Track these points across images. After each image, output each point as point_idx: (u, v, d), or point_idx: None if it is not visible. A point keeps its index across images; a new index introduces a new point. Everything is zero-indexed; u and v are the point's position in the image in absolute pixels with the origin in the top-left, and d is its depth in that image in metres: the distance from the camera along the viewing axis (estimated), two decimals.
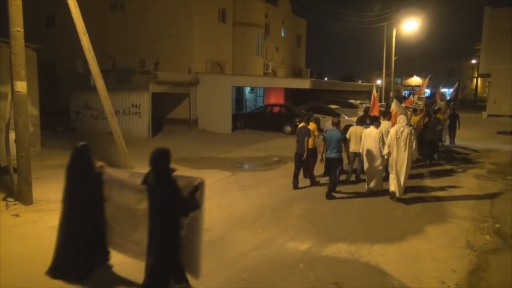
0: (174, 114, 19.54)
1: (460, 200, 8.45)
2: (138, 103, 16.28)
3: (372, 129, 8.84)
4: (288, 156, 13.03)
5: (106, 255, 4.74)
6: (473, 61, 57.31)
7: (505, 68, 30.74)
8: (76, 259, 4.49)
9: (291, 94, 25.38)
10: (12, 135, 7.40)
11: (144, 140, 15.62)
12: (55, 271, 4.51)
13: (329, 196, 8.30)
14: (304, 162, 9.06)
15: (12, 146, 7.45)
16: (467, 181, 10.15)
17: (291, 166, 11.49)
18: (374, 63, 62.53)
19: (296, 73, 32.64)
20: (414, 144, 8.07)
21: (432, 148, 12.65)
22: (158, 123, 17.77)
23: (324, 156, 8.48)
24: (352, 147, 9.30)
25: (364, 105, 23.25)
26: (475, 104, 46.56)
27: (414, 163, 9.77)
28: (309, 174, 9.43)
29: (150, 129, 16.17)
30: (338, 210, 7.68)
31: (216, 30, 21.74)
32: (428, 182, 10.00)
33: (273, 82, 21.14)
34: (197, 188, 4.05)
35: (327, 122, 19.34)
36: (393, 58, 29.43)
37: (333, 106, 20.39)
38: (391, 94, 30.48)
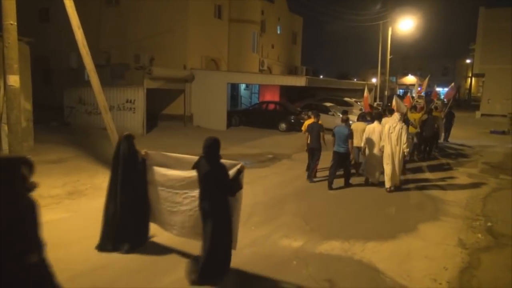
0: (169, 110, 19.46)
1: (452, 198, 8.51)
2: (133, 98, 16.19)
3: (376, 125, 9.28)
4: (282, 153, 13.04)
5: (148, 231, 5.43)
6: (468, 61, 57.66)
7: (499, 68, 30.94)
8: (123, 233, 5.13)
9: (286, 92, 25.39)
10: (4, 130, 7.34)
11: (139, 136, 15.51)
12: (104, 246, 5.19)
13: (348, 185, 9.14)
14: (316, 155, 9.51)
15: (5, 140, 7.39)
16: (459, 180, 10.23)
17: (285, 164, 11.49)
18: (370, 62, 62.61)
19: (291, 71, 32.64)
20: (404, 138, 8.66)
21: (431, 144, 13.20)
22: (153, 119, 17.70)
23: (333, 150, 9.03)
24: (355, 142, 9.54)
25: (359, 103, 23.36)
26: (469, 103, 46.90)
27: (410, 157, 10.50)
28: (313, 167, 9.69)
29: (145, 125, 16.10)
30: (332, 208, 7.71)
31: (211, 26, 21.66)
32: (422, 180, 10.06)
33: (269, 79, 21.12)
34: (240, 171, 4.60)
35: (323, 120, 19.46)
36: (388, 57, 29.52)
37: (328, 104, 20.47)
38: (386, 93, 30.57)
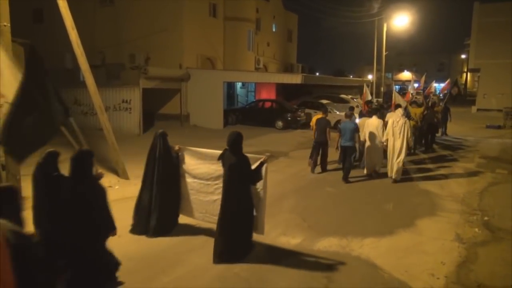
0: (165, 109, 19.42)
1: (449, 193, 8.56)
2: (129, 98, 16.15)
3: (374, 119, 9.83)
4: (279, 151, 13.05)
5: (177, 218, 6.04)
6: (463, 56, 57.88)
7: (494, 62, 31.02)
8: (156, 219, 5.75)
9: (283, 89, 25.38)
10: None
11: (135, 136, 15.51)
12: (136, 230, 5.86)
13: (346, 180, 9.29)
14: (323, 149, 10.10)
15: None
16: (456, 175, 10.27)
17: (282, 161, 11.53)
18: (365, 58, 62.75)
19: (287, 68, 32.62)
20: (409, 132, 9.22)
21: (432, 138, 13.72)
22: (149, 119, 17.66)
23: (339, 145, 9.53)
24: (362, 137, 10.03)
25: (355, 100, 23.39)
26: (465, 98, 46.96)
27: (410, 150, 10.98)
28: (325, 158, 10.24)
29: (141, 125, 16.06)
30: (330, 205, 7.73)
31: (207, 25, 21.61)
32: (419, 176, 10.11)
33: (265, 77, 21.12)
34: (263, 163, 5.16)
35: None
36: (384, 53, 29.56)
37: (324, 101, 20.46)
38: (382, 89, 30.61)
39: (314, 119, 10.53)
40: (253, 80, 22.06)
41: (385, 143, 9.47)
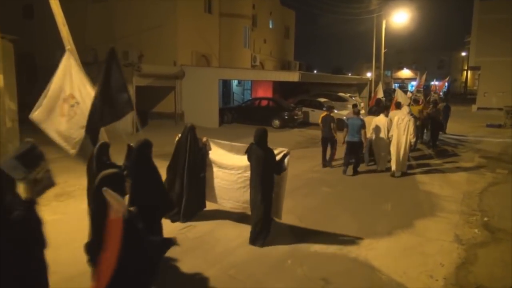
0: (159, 108, 19.39)
1: (449, 193, 8.61)
2: None
3: (382, 117, 10.49)
4: None
5: (203, 204, 6.62)
6: (463, 54, 58.10)
7: (494, 60, 31.15)
8: (187, 206, 6.37)
9: (280, 87, 25.40)
10: None
11: (129, 135, 15.46)
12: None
13: (356, 173, 10.20)
14: (328, 145, 10.82)
15: None
16: (456, 175, 10.34)
17: None
18: (364, 56, 62.87)
19: (284, 66, 32.65)
20: (412, 130, 9.85)
21: (435, 136, 14.19)
22: (143, 118, 17.61)
23: (345, 140, 10.16)
24: (369, 135, 10.59)
25: (353, 98, 23.44)
26: (465, 97, 47.20)
27: (413, 148, 11.62)
28: (332, 154, 10.98)
29: (135, 123, 16.01)
30: (327, 205, 7.75)
31: (202, 21, 21.59)
32: (418, 175, 10.18)
33: (261, 75, 21.11)
34: (286, 155, 5.93)
35: (317, 116, 19.56)
36: (383, 51, 29.60)
37: (322, 100, 20.47)
38: (381, 87, 30.68)
39: (320, 117, 11.18)
40: (249, 77, 22.06)
41: (390, 139, 10.11)
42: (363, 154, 10.91)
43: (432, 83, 32.16)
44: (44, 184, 3.64)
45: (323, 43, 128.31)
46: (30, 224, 2.91)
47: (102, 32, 20.32)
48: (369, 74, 49.49)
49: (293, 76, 18.26)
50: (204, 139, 6.62)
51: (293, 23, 35.36)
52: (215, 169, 6.54)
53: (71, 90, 5.72)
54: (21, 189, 3.07)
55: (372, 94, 14.18)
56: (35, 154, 3.75)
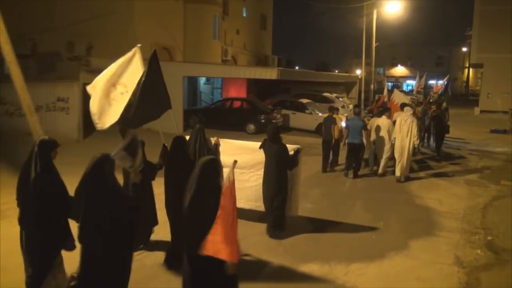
0: None
1: (448, 209, 8.85)
2: (66, 96, 15.79)
3: (383, 119, 11.60)
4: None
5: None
6: (464, 49, 59.95)
7: (499, 57, 31.95)
8: None
9: (255, 86, 25.53)
10: None
11: (74, 142, 15.18)
12: None
13: (356, 176, 11.31)
14: (331, 148, 11.88)
15: None
16: (456, 188, 10.65)
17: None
18: (353, 51, 63.99)
19: (261, 61, 32.88)
20: (416, 131, 10.86)
21: (440, 140, 15.02)
22: (91, 121, 17.34)
23: (345, 141, 11.26)
24: (372, 137, 11.87)
25: (340, 99, 23.81)
26: (467, 98, 48.53)
27: (416, 150, 12.45)
28: (334, 157, 12.15)
29: (82, 129, 15.75)
30: (309, 224, 7.78)
31: (163, 8, 21.52)
32: (415, 188, 10.44)
33: (233, 71, 21.16)
34: (298, 151, 7.12)
35: (299, 119, 19.81)
36: (374, 44, 30.18)
37: (304, 101, 20.70)
38: (372, 87, 31.22)
39: (323, 118, 12.66)
40: (219, 74, 22.06)
41: (393, 142, 11.15)
42: (368, 157, 12.15)
43: (434, 82, 33.05)
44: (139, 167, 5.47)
45: (306, 35, 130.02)
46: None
47: (43, 18, 19.94)
48: (358, 72, 50.31)
49: (271, 73, 18.39)
50: (215, 139, 7.36)
51: (271, 12, 35.73)
52: (225, 169, 6.81)
53: (125, 80, 6.97)
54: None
55: (381, 97, 16.22)
56: (135, 144, 5.71)
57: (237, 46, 29.65)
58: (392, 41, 67.05)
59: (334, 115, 11.84)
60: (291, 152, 7.04)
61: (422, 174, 12.04)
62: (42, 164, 4.32)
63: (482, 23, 33.60)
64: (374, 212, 8.55)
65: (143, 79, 6.49)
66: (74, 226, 4.20)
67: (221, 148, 7.34)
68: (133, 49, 7.16)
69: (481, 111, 32.26)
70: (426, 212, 8.63)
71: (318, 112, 19.48)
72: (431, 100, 17.46)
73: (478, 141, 18.47)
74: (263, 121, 18.62)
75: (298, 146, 7.35)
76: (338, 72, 57.55)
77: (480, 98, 34.80)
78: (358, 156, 11.34)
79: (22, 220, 4.45)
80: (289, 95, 23.42)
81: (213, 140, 7.32)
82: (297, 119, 19.94)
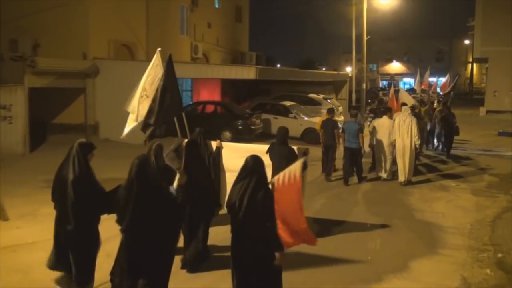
0: (64, 118, 18.90)
1: (453, 224, 8.95)
2: (8, 103, 15.54)
3: (385, 120, 12.37)
4: None
5: (218, 206, 7.38)
6: (467, 42, 61.13)
7: (505, 50, 32.31)
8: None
9: (231, 88, 25.54)
10: None
11: (18, 156, 14.94)
12: None
13: (361, 180, 12.21)
14: (334, 153, 12.48)
15: None
16: (462, 199, 10.80)
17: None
18: (342, 45, 64.64)
19: (237, 58, 32.93)
20: (416, 131, 11.62)
21: (450, 142, 16.21)
22: (40, 132, 17.11)
23: (343, 146, 11.99)
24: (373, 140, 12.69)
25: (328, 101, 23.93)
26: (471, 97, 49.36)
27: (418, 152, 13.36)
28: (330, 166, 12.59)
29: (28, 140, 15.52)
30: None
31: None
32: (416, 200, 10.57)
33: (205, 70, 21.11)
34: (306, 154, 7.69)
35: (282, 125, 19.77)
36: (365, 38, 30.52)
37: (287, 103, 20.75)
38: (364, 86, 31.52)
39: (319, 121, 13.20)
40: (189, 74, 21.95)
41: (393, 143, 11.97)
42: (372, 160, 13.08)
43: (434, 79, 33.41)
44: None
45: (289, 28, 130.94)
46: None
47: None
48: (349, 69, 50.86)
49: (249, 72, 18.43)
50: (217, 142, 8.02)
51: (247, 2, 35.89)
52: (227, 174, 7.92)
53: (146, 83, 8.40)
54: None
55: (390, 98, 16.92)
56: (181, 149, 7.20)
57: (209, 42, 29.67)
58: (386, 34, 68.24)
59: (335, 118, 12.60)
60: (299, 154, 7.65)
61: (424, 183, 12.27)
62: (81, 166, 5.09)
63: (486, 12, 34.03)
64: (369, 230, 8.60)
65: (161, 83, 7.84)
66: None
67: (224, 152, 7.99)
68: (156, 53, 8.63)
69: (487, 112, 32.68)
70: (428, 228, 8.72)
71: (303, 116, 19.57)
72: (432, 101, 18.28)
73: (484, 145, 18.78)
74: (240, 127, 18.63)
75: (306, 147, 8.16)
76: (325, 70, 58.22)
77: (485, 96, 35.29)
78: (357, 161, 12.04)
79: (60, 221, 5.21)
80: (270, 97, 23.46)
81: (215, 144, 7.99)
82: (279, 124, 19.88)
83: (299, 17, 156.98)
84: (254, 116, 19.39)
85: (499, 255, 7.43)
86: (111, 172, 13.06)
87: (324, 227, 8.72)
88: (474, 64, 54.25)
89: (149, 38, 23.39)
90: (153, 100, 7.82)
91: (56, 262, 5.30)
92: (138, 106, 8.55)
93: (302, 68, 49.16)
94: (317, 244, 5.38)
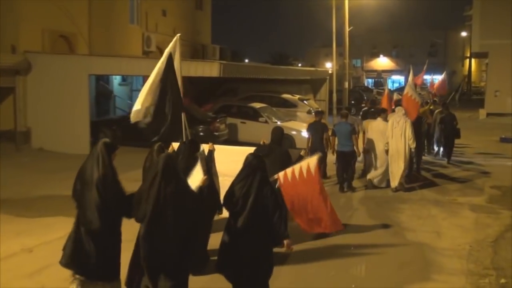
0: None
1: (449, 245, 9.04)
2: None
3: (379, 122, 13.00)
4: None
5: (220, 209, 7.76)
6: (463, 34, 62.37)
7: (507, 44, 33.03)
8: None
9: (191, 87, 25.38)
10: None
11: None
12: None
13: (350, 188, 12.68)
14: (325, 159, 12.94)
15: None
16: (460, 216, 10.93)
17: None
18: (321, 38, 65.32)
19: (197, 52, 32.87)
20: (410, 133, 12.26)
21: (451, 145, 17.09)
22: None
23: (334, 149, 12.90)
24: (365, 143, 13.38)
25: (305, 102, 24.03)
26: (469, 97, 50.12)
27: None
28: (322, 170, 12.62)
29: None
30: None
31: None
32: (404, 218, 10.66)
33: None
34: (302, 157, 8.61)
35: (250, 130, 19.84)
36: (347, 29, 30.84)
37: (257, 105, 20.76)
38: (346, 85, 31.80)
39: (307, 124, 13.87)
40: (140, 71, 21.71)
41: (386, 147, 12.51)
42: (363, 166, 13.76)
43: (429, 77, 33.93)
44: None
45: (259, 17, 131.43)
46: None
47: None
48: (328, 65, 51.26)
49: (211, 69, 18.40)
50: (210, 145, 8.39)
51: None
52: (220, 178, 8.34)
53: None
54: None
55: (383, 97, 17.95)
56: (202, 152, 7.77)
57: (164, 33, 29.50)
58: (372, 25, 69.00)
59: (323, 120, 12.93)
60: (294, 156, 8.54)
61: (416, 196, 12.45)
62: (106, 165, 5.66)
63: (485, 0, 34.57)
64: (353, 253, 8.61)
65: (162, 76, 8.43)
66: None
67: (216, 156, 8.31)
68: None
69: (488, 114, 33.09)
70: (421, 250, 8.78)
71: (276, 120, 19.61)
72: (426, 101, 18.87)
73: (485, 153, 19.17)
74: (201, 134, 18.54)
75: (303, 149, 9.19)
76: (301, 66, 58.57)
77: (486, 97, 35.80)
78: (350, 166, 12.60)
79: (82, 220, 5.74)
80: (237, 98, 23.46)
81: (207, 147, 8.27)
82: (248, 130, 19.98)
83: (271, 4, 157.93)
84: (218, 120, 19.34)
85: (503, 280, 7.52)
86: (46, 189, 12.90)
87: (300, 250, 8.71)
88: (473, 60, 54.93)
89: (92, 27, 23.15)
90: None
91: (71, 260, 5.79)
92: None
93: (274, 64, 49.39)
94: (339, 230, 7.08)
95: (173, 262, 5.31)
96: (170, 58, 8.74)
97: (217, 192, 7.74)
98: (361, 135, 14.01)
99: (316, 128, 13.11)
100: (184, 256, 5.39)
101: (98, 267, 5.72)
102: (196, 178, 6.25)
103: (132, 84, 26.04)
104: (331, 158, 13.68)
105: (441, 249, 8.82)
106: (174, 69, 8.82)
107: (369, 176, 13.20)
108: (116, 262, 5.91)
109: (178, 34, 9.07)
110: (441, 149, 17.84)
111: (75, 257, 5.78)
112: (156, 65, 8.89)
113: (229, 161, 8.17)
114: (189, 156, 7.10)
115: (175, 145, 8.06)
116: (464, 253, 8.66)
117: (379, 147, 12.83)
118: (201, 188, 6.11)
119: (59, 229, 9.54)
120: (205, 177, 6.31)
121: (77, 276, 5.73)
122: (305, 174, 6.17)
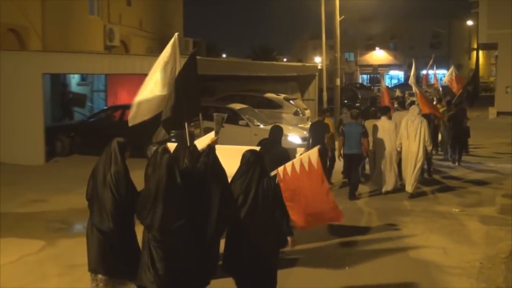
0: None
1: (457, 262, 9.04)
2: None
3: (384, 121, 13.32)
4: None
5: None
6: (469, 23, 62.84)
7: None
8: None
9: None
10: None
11: None
12: None
13: (353, 197, 12.85)
14: (327, 161, 13.30)
15: None
16: (468, 229, 10.97)
17: None
18: (309, 29, 65.51)
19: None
20: (427, 134, 12.68)
21: (461, 146, 17.62)
22: None
23: (342, 152, 13.20)
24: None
25: (292, 102, 24.03)
26: (477, 94, 50.42)
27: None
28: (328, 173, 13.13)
29: None
30: None
31: None
32: (408, 232, 10.68)
33: (123, 63, 20.84)
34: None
35: (229, 135, 19.78)
36: (338, 18, 30.90)
37: (237, 106, 20.74)
38: (338, 82, 31.85)
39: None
40: (101, 70, 21.67)
41: (398, 149, 13.01)
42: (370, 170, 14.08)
43: (432, 72, 34.07)
44: None
45: (238, 7, 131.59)
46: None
47: None
48: (318, 60, 51.36)
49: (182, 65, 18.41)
50: (212, 140, 8.62)
51: None
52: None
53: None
54: None
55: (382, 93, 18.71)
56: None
57: (129, 25, 29.49)
58: (367, 13, 69.22)
59: (326, 120, 13.21)
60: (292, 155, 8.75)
61: (419, 208, 12.43)
62: (119, 164, 6.27)
63: None
64: (349, 273, 8.62)
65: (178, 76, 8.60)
66: None
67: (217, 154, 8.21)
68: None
69: (498, 113, 33.32)
70: (426, 268, 8.78)
71: (258, 123, 19.59)
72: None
73: (496, 157, 19.27)
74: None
75: (303, 148, 9.68)
76: (287, 61, 58.69)
77: (495, 93, 36.05)
78: (358, 170, 13.09)
79: (96, 220, 6.30)
80: (214, 99, 23.44)
81: (206, 140, 8.59)
82: (226, 134, 19.87)
83: None
84: (192, 124, 19.23)
85: None
86: None
87: (291, 269, 8.71)
88: (480, 52, 55.11)
89: (45, 20, 23.10)
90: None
91: (99, 263, 6.33)
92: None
93: (256, 59, 49.49)
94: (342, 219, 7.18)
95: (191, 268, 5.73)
96: (193, 58, 9.03)
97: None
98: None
99: (316, 128, 13.40)
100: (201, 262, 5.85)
101: (123, 265, 6.20)
102: (205, 140, 6.92)
103: (92, 84, 25.87)
104: (339, 166, 14.20)
105: (448, 267, 8.82)
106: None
107: (383, 189, 13.34)
108: (137, 259, 6.14)
109: (177, 33, 9.04)
110: (449, 150, 18.15)
111: (100, 259, 6.25)
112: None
113: (227, 160, 8.08)
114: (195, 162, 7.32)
115: (171, 146, 8.41)
116: (473, 271, 8.66)
117: (387, 148, 13.12)
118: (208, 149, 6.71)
119: (14, 250, 9.48)
120: (216, 137, 7.06)
121: (100, 276, 6.26)
122: (306, 167, 6.52)
